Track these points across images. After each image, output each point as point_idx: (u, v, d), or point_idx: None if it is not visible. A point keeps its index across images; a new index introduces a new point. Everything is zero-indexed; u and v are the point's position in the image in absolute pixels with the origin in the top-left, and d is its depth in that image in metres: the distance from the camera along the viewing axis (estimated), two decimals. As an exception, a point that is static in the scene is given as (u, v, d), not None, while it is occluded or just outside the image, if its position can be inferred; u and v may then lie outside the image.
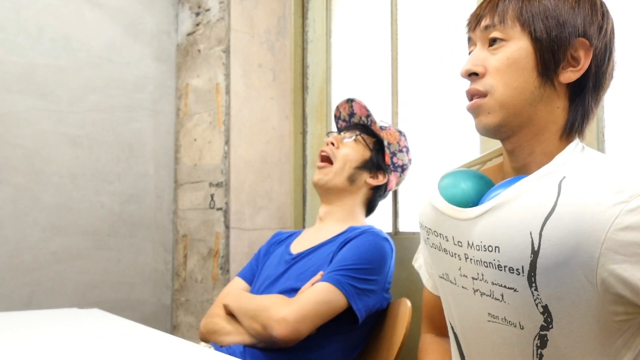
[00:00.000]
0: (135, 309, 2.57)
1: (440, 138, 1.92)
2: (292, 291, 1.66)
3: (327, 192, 1.83)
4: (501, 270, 0.94)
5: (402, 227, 2.00)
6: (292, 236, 1.92)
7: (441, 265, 1.09)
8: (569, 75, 0.99)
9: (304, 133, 2.46)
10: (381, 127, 1.84)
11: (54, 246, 2.43)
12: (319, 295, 1.57)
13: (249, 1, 2.45)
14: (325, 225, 1.83)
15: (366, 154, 1.82)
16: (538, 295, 0.91)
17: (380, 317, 1.72)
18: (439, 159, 1.92)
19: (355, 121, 1.92)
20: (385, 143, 1.82)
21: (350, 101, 1.88)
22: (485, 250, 0.96)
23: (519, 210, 0.93)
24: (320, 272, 1.64)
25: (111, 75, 2.57)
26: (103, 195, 2.54)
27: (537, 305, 0.92)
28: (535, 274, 0.90)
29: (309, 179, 2.44)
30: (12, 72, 2.37)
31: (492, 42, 1.02)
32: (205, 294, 2.45)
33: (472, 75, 1.03)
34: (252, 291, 1.79)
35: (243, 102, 2.41)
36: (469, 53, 1.08)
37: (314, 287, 1.59)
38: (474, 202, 1.04)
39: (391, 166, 1.83)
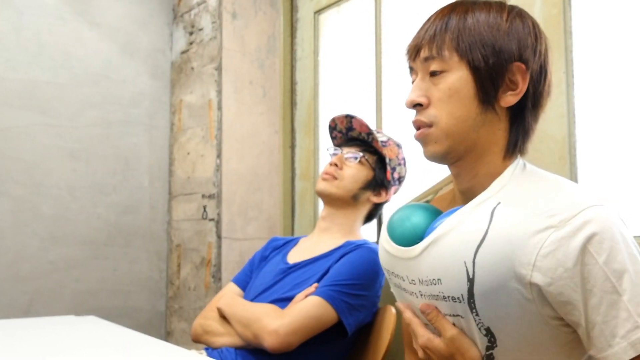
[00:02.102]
0: (130, 316, 2.61)
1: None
2: (285, 300, 1.67)
3: (332, 200, 1.83)
4: (447, 301, 0.97)
5: None
6: (288, 244, 1.92)
7: (403, 302, 1.11)
8: (509, 99, 1.00)
9: (292, 147, 2.52)
10: (382, 143, 1.83)
11: (52, 256, 2.48)
12: (310, 310, 1.58)
13: (240, 21, 2.52)
14: (324, 237, 1.83)
15: (370, 174, 1.82)
16: (479, 319, 0.94)
17: (367, 324, 1.74)
18: (421, 172, 1.94)
19: (354, 135, 1.90)
20: (387, 160, 1.81)
21: (349, 117, 1.86)
22: (431, 284, 0.98)
23: (454, 241, 0.95)
24: (315, 284, 1.66)
25: (108, 91, 2.64)
26: (100, 206, 2.60)
27: (480, 328, 0.95)
28: (474, 300, 0.93)
29: (297, 190, 2.49)
30: (14, 88, 2.44)
31: (433, 73, 1.02)
32: (198, 301, 2.50)
33: (417, 106, 1.04)
34: (246, 297, 1.79)
35: (234, 117, 2.47)
36: (412, 82, 1.08)
37: (307, 300, 1.60)
38: (424, 236, 1.04)
39: (392, 181, 1.83)
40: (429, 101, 1.03)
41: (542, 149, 1.59)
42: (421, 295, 1.02)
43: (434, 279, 0.98)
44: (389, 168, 1.82)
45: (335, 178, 1.82)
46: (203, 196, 2.52)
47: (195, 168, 2.58)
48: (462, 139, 1.01)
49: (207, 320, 1.77)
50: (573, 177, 1.54)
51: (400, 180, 1.87)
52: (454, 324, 0.99)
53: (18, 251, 2.42)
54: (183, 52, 2.72)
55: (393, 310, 1.71)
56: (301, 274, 1.74)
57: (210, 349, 1.70)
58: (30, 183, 2.46)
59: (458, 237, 0.96)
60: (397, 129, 2.05)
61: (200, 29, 2.60)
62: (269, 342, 1.54)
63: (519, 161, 1.03)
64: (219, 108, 2.45)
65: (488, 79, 0.99)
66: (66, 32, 2.56)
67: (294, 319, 1.56)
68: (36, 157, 2.48)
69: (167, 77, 2.80)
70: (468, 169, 1.04)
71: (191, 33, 2.67)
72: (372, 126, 1.92)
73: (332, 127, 1.93)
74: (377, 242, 2.00)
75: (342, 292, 1.62)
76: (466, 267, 0.93)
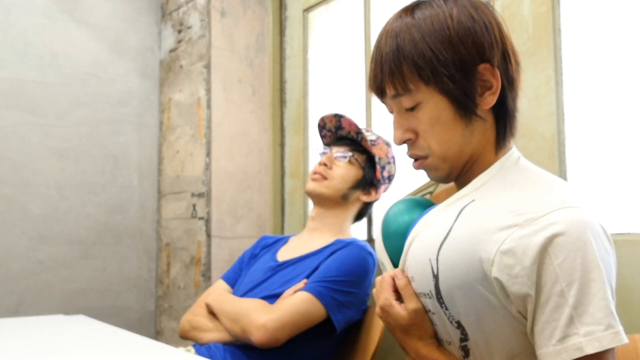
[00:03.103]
0: (120, 315, 2.61)
1: None
2: (274, 297, 1.67)
3: (321, 200, 1.84)
4: (423, 297, 1.00)
5: (376, 235, 2.04)
6: (278, 242, 1.92)
7: None
8: (488, 100, 0.99)
9: (282, 145, 2.52)
10: (371, 142, 1.83)
11: (41, 255, 2.48)
12: (299, 306, 1.58)
13: (229, 19, 2.52)
14: (314, 236, 1.84)
15: (359, 173, 1.83)
16: (450, 313, 0.96)
17: (357, 322, 1.75)
18: (412, 170, 1.96)
19: (343, 134, 1.91)
20: (377, 159, 1.82)
21: (338, 116, 1.86)
22: (412, 282, 1.02)
23: (423, 240, 0.99)
24: (304, 280, 1.67)
25: (97, 90, 2.63)
26: (89, 205, 2.59)
27: (451, 322, 0.97)
28: (441, 296, 0.95)
29: (287, 189, 2.49)
30: (1, 87, 2.43)
31: (408, 109, 1.02)
32: (188, 300, 2.50)
33: (407, 141, 1.04)
34: (235, 294, 1.79)
35: (224, 115, 2.47)
36: (389, 111, 1.08)
37: (295, 295, 1.61)
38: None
39: (381, 180, 1.84)
40: (416, 135, 1.03)
41: (531, 147, 1.60)
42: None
43: (411, 277, 1.02)
44: (378, 167, 1.82)
45: (324, 178, 1.83)
46: (192, 195, 2.52)
47: (184, 167, 2.58)
48: (458, 157, 1.02)
49: (195, 316, 1.77)
50: (562, 174, 1.55)
51: (390, 178, 1.88)
52: (432, 320, 1.01)
53: (6, 251, 2.41)
54: (172, 51, 2.71)
55: (383, 308, 1.72)
56: (290, 272, 1.75)
57: (198, 345, 1.70)
58: (18, 182, 2.45)
59: (427, 235, 0.99)
60: (386, 127, 2.05)
61: (189, 27, 2.60)
62: (257, 336, 1.55)
63: (511, 153, 1.04)
64: (208, 106, 2.46)
65: (462, 94, 0.98)
66: (54, 30, 2.56)
67: (283, 314, 1.57)
68: (24, 157, 2.47)
69: (156, 75, 2.79)
70: (469, 175, 1.05)
71: (180, 31, 2.67)
72: (362, 125, 1.93)
73: (321, 126, 1.93)
74: (367, 240, 2.02)
75: (331, 289, 1.62)
76: (431, 264, 0.96)
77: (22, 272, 2.44)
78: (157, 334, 2.71)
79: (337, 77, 2.33)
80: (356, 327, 1.76)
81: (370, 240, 2.05)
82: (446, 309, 0.96)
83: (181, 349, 1.57)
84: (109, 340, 1.43)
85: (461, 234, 0.93)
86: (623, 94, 1.46)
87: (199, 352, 1.64)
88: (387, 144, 1.87)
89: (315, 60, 2.43)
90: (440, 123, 1.00)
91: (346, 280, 1.65)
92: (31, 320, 1.73)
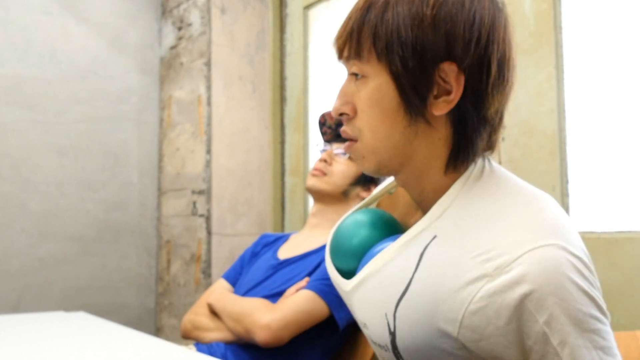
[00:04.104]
0: (120, 312, 2.61)
1: None
2: (276, 296, 1.66)
3: (321, 196, 1.84)
4: (375, 345, 0.90)
5: None
6: (279, 240, 1.92)
7: None
8: (441, 106, 0.83)
9: (282, 142, 2.53)
10: None
11: (41, 252, 2.48)
12: (302, 304, 1.58)
13: (229, 16, 2.52)
14: (314, 233, 1.83)
15: (359, 170, 1.81)
16: None
17: (358, 319, 1.77)
18: None
19: None
20: None
21: None
22: (363, 326, 0.92)
23: (377, 287, 0.87)
24: (306, 278, 1.66)
25: (96, 87, 2.63)
26: (88, 202, 2.59)
27: None
28: (398, 351, 0.85)
29: (287, 186, 2.50)
30: (0, 84, 2.43)
31: (355, 75, 0.88)
32: (188, 297, 2.50)
33: (343, 114, 0.90)
34: (236, 293, 1.78)
35: (224, 113, 2.47)
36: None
37: (298, 294, 1.60)
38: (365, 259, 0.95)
39: (381, 177, 1.86)
40: (354, 111, 0.88)
41: (532, 144, 1.60)
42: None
43: (362, 322, 0.92)
44: None
45: (324, 174, 1.83)
46: (193, 192, 2.52)
47: (184, 164, 2.58)
48: (391, 155, 0.87)
49: (196, 316, 1.77)
50: (563, 171, 1.55)
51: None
52: None
53: (6, 248, 2.41)
54: (172, 48, 2.71)
55: (384, 305, 1.71)
56: (292, 270, 1.75)
57: (199, 344, 1.70)
58: (18, 179, 2.45)
59: (382, 282, 0.86)
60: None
61: (189, 24, 2.59)
62: (261, 336, 1.54)
63: (471, 172, 0.87)
64: (209, 104, 2.45)
65: (410, 85, 0.82)
66: (53, 27, 2.55)
67: (286, 313, 1.57)
68: (23, 153, 2.47)
69: (156, 72, 2.79)
70: (412, 184, 0.91)
71: (180, 28, 2.66)
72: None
73: (322, 123, 1.93)
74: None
75: (333, 286, 1.61)
76: (387, 319, 0.84)
77: (22, 269, 2.44)
78: (157, 331, 2.71)
79: (337, 74, 2.32)
80: (357, 325, 1.75)
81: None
82: None
83: (183, 347, 1.56)
84: (109, 337, 1.43)
85: (423, 289, 0.80)
86: (624, 91, 1.46)
87: (200, 351, 1.64)
88: None
89: (316, 57, 2.43)
90: (378, 108, 0.85)
91: None
92: (32, 317, 1.72)
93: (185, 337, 1.78)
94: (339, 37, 0.89)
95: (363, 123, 0.87)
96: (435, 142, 0.86)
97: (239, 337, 1.63)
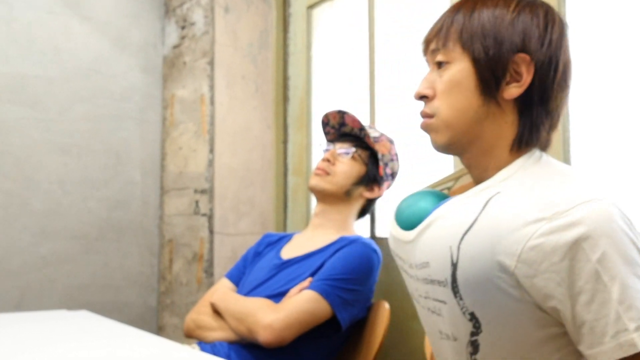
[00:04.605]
0: (122, 311, 2.61)
1: (417, 147, 1.96)
2: (278, 295, 1.67)
3: (324, 196, 1.84)
4: (434, 284, 0.99)
5: (379, 233, 2.05)
6: (282, 240, 1.92)
7: (408, 287, 1.13)
8: (512, 91, 0.98)
9: (285, 142, 2.52)
10: (374, 139, 1.83)
11: (44, 250, 2.48)
12: (305, 305, 1.59)
13: (233, 15, 2.52)
14: (317, 233, 1.84)
15: (362, 169, 1.83)
16: (464, 304, 0.95)
17: (361, 319, 1.75)
18: (415, 167, 1.97)
19: (346, 131, 1.91)
20: (380, 156, 1.82)
21: (341, 112, 1.86)
22: (422, 268, 1.01)
23: (444, 226, 0.98)
24: (309, 278, 1.67)
25: (99, 85, 2.63)
26: (91, 201, 2.59)
27: (464, 313, 0.95)
28: (457, 285, 0.94)
29: (290, 185, 2.49)
30: (3, 82, 2.43)
31: (439, 65, 1.04)
32: (190, 296, 2.50)
33: (423, 97, 1.05)
34: (239, 292, 1.80)
35: (227, 112, 2.47)
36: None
37: (301, 294, 1.61)
38: None
39: (384, 176, 1.84)
40: (435, 93, 1.04)
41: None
42: (417, 279, 1.05)
43: (423, 262, 1.01)
44: (381, 164, 1.83)
45: (327, 174, 1.83)
46: (195, 191, 2.52)
47: (187, 163, 2.58)
48: (463, 130, 1.02)
49: (199, 315, 1.77)
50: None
51: (393, 175, 1.88)
52: (440, 310, 1.01)
53: (8, 246, 2.41)
54: (175, 47, 2.71)
55: (387, 305, 1.73)
56: (295, 270, 1.75)
57: (202, 344, 1.70)
58: (20, 177, 2.45)
59: (448, 222, 0.98)
60: (390, 124, 2.06)
61: (193, 23, 2.59)
62: (264, 336, 1.55)
63: (533, 153, 1.02)
64: (212, 103, 2.45)
65: (488, 70, 0.99)
66: (57, 25, 2.55)
67: (289, 314, 1.57)
68: (26, 152, 2.47)
69: (159, 71, 2.79)
70: (477, 162, 1.05)
71: (183, 27, 2.66)
72: (365, 122, 1.93)
73: (325, 123, 1.94)
74: (370, 238, 2.02)
75: (336, 287, 1.62)
76: (451, 251, 0.95)
77: (24, 267, 2.44)
78: (159, 330, 2.71)
79: (340, 74, 2.33)
80: (360, 324, 1.76)
81: (374, 237, 2.05)
82: (460, 298, 0.95)
83: (185, 347, 1.56)
84: (111, 336, 1.43)
85: (487, 225, 0.92)
86: (628, 90, 1.46)
87: (203, 351, 1.64)
88: (390, 141, 1.88)
89: (319, 57, 2.43)
90: (458, 88, 1.01)
91: (351, 278, 1.65)
92: (34, 315, 1.72)
93: (188, 336, 1.78)
94: (429, 34, 1.07)
95: (441, 101, 1.02)
96: (502, 125, 1.01)
97: (242, 337, 1.63)
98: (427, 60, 1.09)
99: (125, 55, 2.70)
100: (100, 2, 2.66)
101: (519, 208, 0.91)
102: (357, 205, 1.88)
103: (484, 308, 0.94)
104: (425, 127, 1.06)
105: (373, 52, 2.14)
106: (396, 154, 1.88)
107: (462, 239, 0.94)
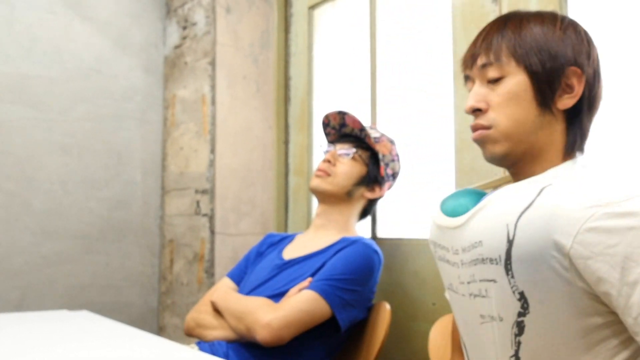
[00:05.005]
0: (122, 311, 2.62)
1: (419, 148, 1.97)
2: (279, 295, 1.67)
3: (325, 197, 1.84)
4: (485, 263, 1.01)
5: (380, 233, 2.05)
6: (284, 240, 1.93)
7: (447, 277, 1.15)
8: (566, 101, 1.05)
9: (286, 142, 2.52)
10: (375, 139, 1.84)
11: (44, 250, 2.48)
12: (304, 304, 1.59)
13: (234, 16, 2.52)
14: (319, 234, 1.84)
15: (363, 170, 1.83)
16: (515, 282, 0.97)
17: (361, 320, 1.75)
18: (416, 167, 1.97)
19: (347, 132, 1.91)
20: (380, 156, 1.83)
21: (341, 113, 1.86)
22: (472, 249, 1.04)
23: (500, 207, 1.02)
24: (309, 278, 1.67)
25: (100, 85, 2.63)
26: (92, 201, 2.59)
27: (514, 292, 0.97)
28: (510, 262, 0.97)
29: (291, 186, 2.49)
30: (4, 82, 2.43)
31: (491, 80, 1.08)
32: (191, 296, 2.50)
33: (476, 111, 1.09)
34: (240, 292, 1.80)
35: (228, 112, 2.47)
36: (469, 90, 1.13)
37: (301, 294, 1.61)
38: None
39: (385, 177, 1.85)
40: (488, 106, 1.08)
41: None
42: (462, 264, 1.07)
43: (475, 242, 1.03)
44: (382, 164, 1.83)
45: (328, 175, 1.83)
46: (196, 191, 2.52)
47: (188, 163, 2.58)
48: (520, 141, 1.07)
49: (200, 314, 1.78)
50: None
51: (394, 176, 1.88)
52: (486, 291, 1.03)
53: (9, 246, 2.41)
54: (176, 47, 2.71)
55: (387, 306, 1.73)
56: (296, 270, 1.75)
57: (201, 343, 1.70)
58: (21, 177, 2.45)
59: (504, 203, 1.01)
60: (391, 125, 2.06)
61: (194, 24, 2.59)
62: (262, 335, 1.55)
63: (577, 159, 1.08)
64: (213, 103, 2.45)
65: (545, 82, 1.05)
66: (58, 26, 2.55)
67: (288, 313, 1.57)
68: (27, 151, 2.47)
69: (160, 71, 2.79)
70: (526, 170, 1.09)
71: (184, 27, 2.66)
72: (366, 122, 1.93)
73: (326, 124, 1.94)
74: (372, 238, 2.03)
75: (336, 287, 1.62)
76: (507, 229, 0.97)
77: (25, 267, 2.44)
78: (159, 330, 2.71)
79: (342, 74, 2.33)
80: (360, 325, 1.76)
81: (375, 238, 2.05)
82: (512, 276, 0.97)
83: (185, 347, 1.56)
84: (112, 336, 1.44)
85: (546, 204, 0.95)
86: (630, 92, 1.46)
87: (202, 350, 1.64)
88: (391, 142, 1.88)
89: (320, 57, 2.43)
90: (516, 99, 1.06)
91: (351, 279, 1.65)
92: (35, 315, 1.73)
93: (189, 334, 1.78)
94: (474, 49, 1.11)
95: (498, 113, 1.07)
96: (553, 134, 1.07)
97: (241, 336, 1.63)
98: (472, 75, 1.12)
99: (127, 55, 2.70)
100: (102, 2, 2.66)
101: (575, 195, 0.94)
102: (358, 206, 1.88)
103: (534, 288, 0.96)
104: (482, 139, 1.09)
105: (374, 52, 2.14)
106: (397, 155, 1.88)
107: (520, 216, 0.97)
